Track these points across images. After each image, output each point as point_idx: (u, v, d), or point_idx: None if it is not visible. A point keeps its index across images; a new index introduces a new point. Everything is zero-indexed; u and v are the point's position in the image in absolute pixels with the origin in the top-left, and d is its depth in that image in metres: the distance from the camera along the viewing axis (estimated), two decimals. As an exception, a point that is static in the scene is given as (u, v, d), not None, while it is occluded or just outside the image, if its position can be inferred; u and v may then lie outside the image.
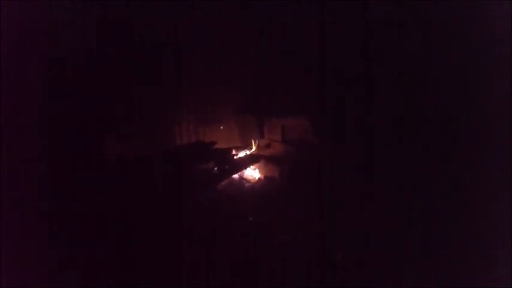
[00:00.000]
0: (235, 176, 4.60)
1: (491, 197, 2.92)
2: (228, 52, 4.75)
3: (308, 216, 3.56)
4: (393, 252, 2.98)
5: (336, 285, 2.79)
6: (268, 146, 4.94)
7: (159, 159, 4.17)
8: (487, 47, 2.95)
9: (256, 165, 4.74)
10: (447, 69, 3.24)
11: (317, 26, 3.99)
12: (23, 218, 3.02)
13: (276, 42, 4.48)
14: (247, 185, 4.51)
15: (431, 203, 3.18)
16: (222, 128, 5.12)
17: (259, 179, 4.64)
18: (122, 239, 3.22)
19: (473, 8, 2.92)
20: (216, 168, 4.45)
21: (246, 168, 4.70)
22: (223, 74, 4.86)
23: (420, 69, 3.38)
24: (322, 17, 3.94)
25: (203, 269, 3.00)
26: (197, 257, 3.11)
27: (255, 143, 5.03)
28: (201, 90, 4.84)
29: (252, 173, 4.72)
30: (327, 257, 3.03)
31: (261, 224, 3.58)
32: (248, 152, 4.97)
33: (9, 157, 3.03)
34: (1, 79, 3.03)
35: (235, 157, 4.79)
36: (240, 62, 4.85)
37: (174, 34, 4.31)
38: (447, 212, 3.10)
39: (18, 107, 3.18)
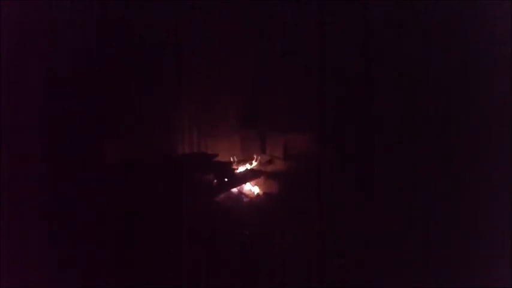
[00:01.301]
0: (234, 189, 4.53)
1: (491, 197, 2.93)
2: (230, 61, 4.76)
3: (306, 236, 3.54)
4: (393, 252, 2.98)
5: (336, 285, 2.79)
6: (269, 162, 4.89)
7: (158, 166, 4.17)
8: (487, 47, 2.95)
9: (256, 180, 4.68)
10: (447, 69, 3.24)
11: (318, 28, 4.00)
12: (23, 218, 3.02)
13: (279, 48, 4.49)
14: (245, 199, 4.45)
15: (431, 203, 3.18)
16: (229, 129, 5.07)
17: (257, 194, 4.57)
18: (121, 240, 3.22)
19: (473, 8, 2.92)
20: (215, 181, 4.45)
21: (245, 183, 4.64)
22: (226, 87, 4.86)
23: (420, 69, 3.38)
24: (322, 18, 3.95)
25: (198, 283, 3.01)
26: (192, 269, 3.12)
27: (256, 158, 5.02)
28: (204, 101, 4.82)
29: (251, 188, 4.66)
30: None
31: (257, 240, 3.57)
32: (249, 167, 4.97)
33: (9, 157, 3.04)
34: (1, 79, 3.03)
35: (235, 171, 4.74)
36: (243, 75, 4.85)
37: (174, 37, 4.32)
38: (447, 212, 3.10)
39: (18, 107, 3.18)
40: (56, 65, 3.54)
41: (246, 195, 4.53)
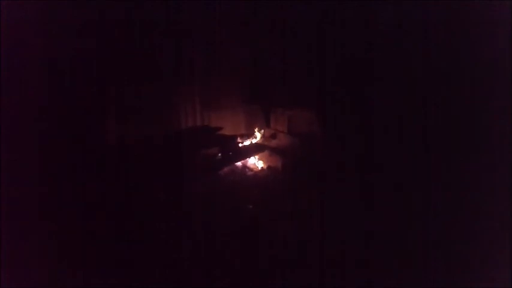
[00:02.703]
0: (238, 163, 4.62)
1: (491, 197, 2.93)
2: (236, 39, 4.76)
3: (309, 209, 3.57)
4: (393, 252, 2.98)
5: (336, 285, 2.79)
6: (273, 136, 4.94)
7: (163, 143, 4.20)
8: (487, 48, 2.95)
9: (260, 154, 4.76)
10: (447, 69, 3.24)
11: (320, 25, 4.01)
12: (23, 218, 3.02)
13: (283, 35, 4.49)
14: (249, 173, 4.53)
15: (431, 203, 3.18)
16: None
17: (262, 168, 4.65)
18: (122, 229, 3.23)
19: (473, 9, 2.92)
20: (220, 154, 4.46)
21: (249, 156, 4.72)
22: (230, 62, 4.88)
23: (421, 68, 3.38)
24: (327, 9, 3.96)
25: (201, 257, 3.02)
26: (196, 244, 3.13)
27: (260, 132, 5.04)
28: (209, 78, 4.86)
29: (256, 162, 4.74)
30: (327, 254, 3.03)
31: (260, 214, 3.60)
32: (253, 141, 4.98)
33: (9, 154, 3.03)
34: (1, 79, 3.03)
35: (239, 145, 4.81)
36: (248, 51, 4.86)
37: (177, 22, 4.31)
38: (447, 212, 3.10)
39: (18, 101, 3.18)
40: (56, 55, 3.53)
41: (251, 169, 4.60)
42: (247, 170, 4.60)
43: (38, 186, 3.22)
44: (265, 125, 5.14)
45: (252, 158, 4.73)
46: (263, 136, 5.03)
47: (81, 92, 3.77)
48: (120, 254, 3.08)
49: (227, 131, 4.80)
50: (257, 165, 4.71)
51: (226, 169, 4.43)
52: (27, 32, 3.17)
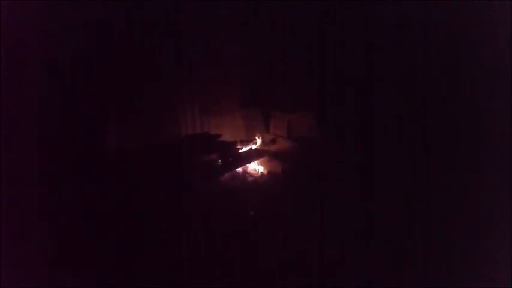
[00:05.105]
0: (239, 169, 4.62)
1: (491, 197, 2.93)
2: (234, 45, 4.77)
3: (309, 214, 3.58)
4: (393, 252, 2.98)
5: (336, 285, 2.79)
6: (273, 141, 4.95)
7: (163, 149, 4.20)
8: (487, 48, 2.94)
9: (260, 160, 4.76)
10: (447, 69, 3.24)
11: (320, 25, 4.01)
12: (23, 218, 3.02)
13: (283, 37, 4.49)
14: (250, 179, 4.53)
15: (432, 204, 3.18)
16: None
17: (262, 173, 4.65)
18: (123, 233, 3.23)
19: (473, 9, 2.92)
20: (220, 161, 4.47)
21: (250, 162, 4.71)
22: (230, 67, 4.88)
23: (421, 68, 3.38)
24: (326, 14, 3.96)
25: (202, 261, 3.02)
26: (196, 249, 3.13)
27: (260, 137, 5.04)
28: (208, 83, 4.86)
29: (256, 168, 4.74)
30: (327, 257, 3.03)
31: (261, 219, 3.60)
32: (253, 147, 4.98)
33: (9, 154, 3.03)
34: (1, 79, 3.03)
35: (239, 151, 4.81)
36: (247, 56, 4.87)
37: (177, 24, 4.32)
38: (447, 212, 3.10)
39: (18, 104, 3.18)
40: (57, 55, 3.53)
41: (251, 175, 4.60)
42: (247, 175, 4.60)
43: (38, 186, 3.21)
44: (264, 130, 5.14)
45: (252, 163, 4.72)
46: (263, 141, 5.03)
47: (81, 92, 3.77)
48: (120, 254, 3.07)
49: (226, 137, 4.79)
50: (257, 170, 4.71)
51: (226, 175, 4.43)
52: (27, 32, 3.17)
